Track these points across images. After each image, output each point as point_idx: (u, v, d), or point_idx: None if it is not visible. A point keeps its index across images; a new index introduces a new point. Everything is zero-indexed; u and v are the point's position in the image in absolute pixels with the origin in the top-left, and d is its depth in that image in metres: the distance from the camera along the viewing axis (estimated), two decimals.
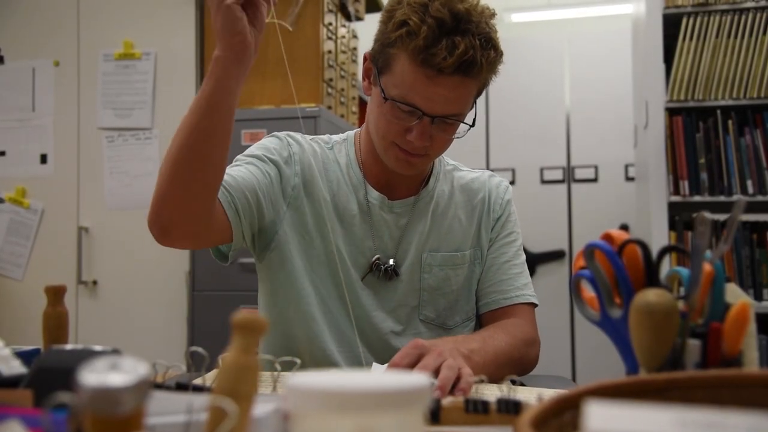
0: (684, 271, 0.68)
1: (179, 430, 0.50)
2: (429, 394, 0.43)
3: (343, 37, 3.25)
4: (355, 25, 3.49)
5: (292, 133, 1.29)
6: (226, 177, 1.13)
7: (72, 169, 3.11)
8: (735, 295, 0.65)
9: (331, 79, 3.02)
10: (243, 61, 0.98)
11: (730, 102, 2.49)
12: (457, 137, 1.18)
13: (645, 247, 0.67)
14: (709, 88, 2.50)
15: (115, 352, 0.60)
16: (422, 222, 1.27)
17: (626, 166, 3.88)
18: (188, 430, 0.50)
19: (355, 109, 3.36)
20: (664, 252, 0.69)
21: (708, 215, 0.62)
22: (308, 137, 1.30)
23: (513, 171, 4.04)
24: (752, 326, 0.63)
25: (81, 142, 3.11)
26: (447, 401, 0.77)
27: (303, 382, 0.41)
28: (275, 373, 0.81)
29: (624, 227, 3.76)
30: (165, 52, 3.02)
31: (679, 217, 2.53)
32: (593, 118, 3.97)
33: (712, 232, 2.45)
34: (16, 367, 0.66)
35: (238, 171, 1.16)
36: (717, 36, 2.50)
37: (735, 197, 2.45)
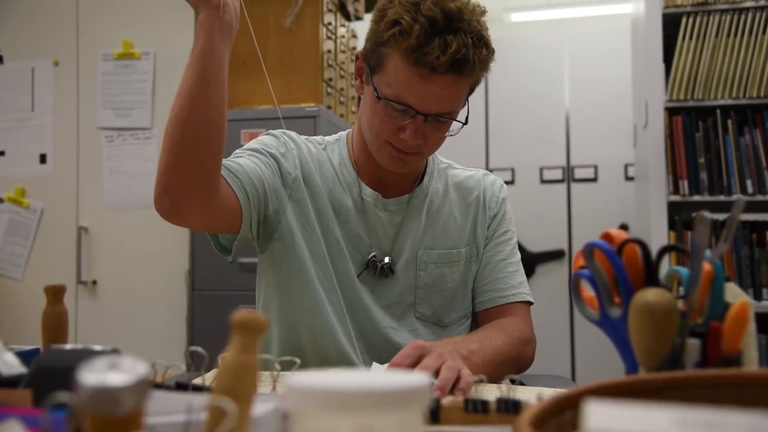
0: (683, 271, 0.68)
1: (179, 430, 0.50)
2: (429, 394, 0.42)
3: (343, 36, 3.25)
4: (355, 25, 3.49)
5: (287, 131, 1.29)
6: (231, 164, 1.14)
7: (71, 169, 3.11)
8: (734, 294, 0.65)
9: (330, 79, 3.02)
10: (225, 20, 1.00)
11: (730, 101, 2.49)
12: (450, 135, 1.19)
13: (644, 247, 0.67)
14: (709, 87, 2.50)
15: (115, 351, 0.60)
16: (417, 220, 1.28)
17: (626, 166, 3.88)
18: (188, 429, 0.50)
19: (354, 108, 3.36)
20: (663, 251, 0.69)
21: (707, 215, 0.62)
22: (303, 137, 1.31)
23: (512, 171, 4.04)
24: (752, 326, 0.63)
25: (80, 142, 3.11)
26: (447, 401, 0.77)
27: (303, 381, 0.41)
28: (275, 372, 0.81)
29: (623, 227, 3.76)
30: (164, 52, 3.02)
31: (679, 217, 2.53)
32: (593, 117, 3.97)
33: (712, 231, 2.46)
34: (16, 367, 0.66)
35: (242, 161, 1.17)
36: (716, 35, 2.50)
37: (734, 197, 2.45)
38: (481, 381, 0.88)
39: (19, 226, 3.11)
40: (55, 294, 0.84)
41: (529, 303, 1.31)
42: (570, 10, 4.99)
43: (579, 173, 3.98)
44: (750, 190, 2.45)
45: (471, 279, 1.31)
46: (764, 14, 2.48)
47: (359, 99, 1.27)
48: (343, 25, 3.28)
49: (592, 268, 0.69)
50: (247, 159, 1.18)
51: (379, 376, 0.43)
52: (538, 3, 5.00)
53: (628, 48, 3.57)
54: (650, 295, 0.58)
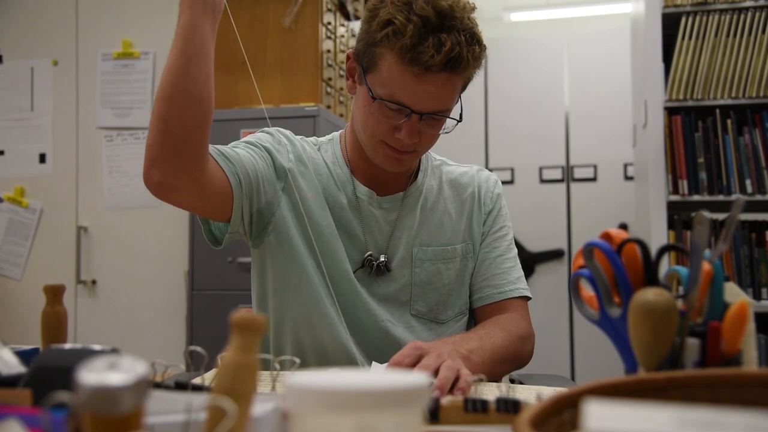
0: (683, 270, 0.69)
1: (178, 430, 0.50)
2: (428, 394, 0.43)
3: (342, 36, 3.25)
4: (354, 25, 3.49)
5: (282, 129, 1.30)
6: (228, 151, 1.15)
7: (71, 169, 3.11)
8: (734, 294, 0.65)
9: (330, 79, 3.02)
10: None
11: (729, 101, 2.49)
12: (445, 132, 1.19)
13: (644, 247, 0.67)
14: (708, 87, 2.50)
15: (114, 351, 0.60)
16: (412, 217, 1.28)
17: (625, 166, 3.88)
18: (187, 429, 0.50)
19: None
20: (663, 251, 0.69)
21: (707, 214, 0.62)
22: (298, 137, 1.31)
23: (512, 170, 4.04)
24: (751, 325, 0.63)
25: (80, 142, 3.11)
26: (446, 400, 0.77)
27: (302, 381, 0.41)
28: (274, 372, 0.81)
29: (623, 226, 3.76)
30: (164, 52, 3.01)
31: (678, 217, 2.53)
32: (592, 117, 3.97)
33: (711, 231, 2.46)
34: (15, 367, 0.66)
35: (238, 150, 1.18)
36: (716, 35, 2.50)
37: (734, 196, 2.45)
38: (481, 380, 0.88)
39: (18, 225, 3.11)
40: (55, 294, 0.84)
41: (527, 298, 1.31)
42: (569, 10, 4.99)
43: (578, 173, 3.98)
44: (749, 189, 2.45)
45: (468, 276, 1.31)
46: (764, 14, 2.48)
47: None
48: (343, 25, 3.28)
49: (591, 267, 0.69)
50: (243, 150, 1.19)
51: (378, 376, 0.43)
52: (538, 2, 5.01)
53: (627, 48, 3.57)
54: (650, 294, 0.58)
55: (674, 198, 2.48)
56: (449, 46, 1.06)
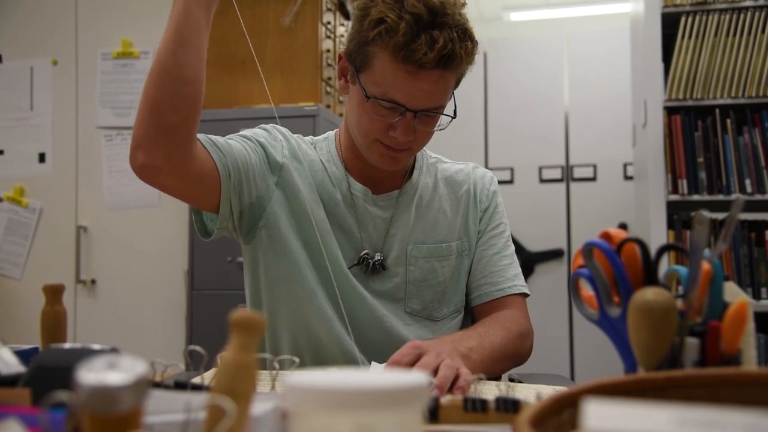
0: (682, 270, 0.69)
1: (178, 429, 0.50)
2: (427, 393, 0.42)
3: (342, 36, 3.25)
4: None
5: (278, 126, 1.30)
6: (220, 141, 1.16)
7: (70, 168, 3.11)
8: (733, 293, 0.65)
9: (329, 78, 3.02)
10: None
11: (729, 101, 2.49)
12: (439, 129, 1.19)
13: (643, 246, 0.67)
14: (708, 86, 2.50)
15: (114, 351, 0.60)
16: (407, 215, 1.28)
17: (625, 165, 3.88)
18: (187, 428, 0.50)
19: None
20: (662, 251, 0.69)
21: (706, 214, 0.62)
22: (294, 135, 1.32)
23: (512, 170, 4.04)
24: (750, 325, 0.63)
25: (79, 141, 3.11)
26: (445, 400, 0.77)
27: (302, 380, 0.41)
28: (273, 371, 0.81)
29: (622, 226, 3.76)
30: None
31: (678, 216, 2.53)
32: (592, 117, 3.97)
33: (711, 230, 2.46)
34: (15, 366, 0.66)
35: (231, 142, 1.18)
36: (715, 35, 2.50)
37: (733, 196, 2.45)
38: (480, 379, 0.88)
39: (18, 225, 3.10)
40: (54, 293, 0.84)
41: (526, 295, 1.32)
42: (569, 10, 5.00)
43: (578, 172, 3.98)
44: (749, 189, 2.46)
45: (464, 273, 1.31)
46: (763, 13, 2.48)
47: None
48: (342, 24, 3.28)
49: (591, 267, 0.69)
50: (237, 142, 1.19)
51: (377, 376, 0.43)
52: (538, 2, 5.01)
53: (627, 47, 3.56)
54: (649, 294, 0.58)
55: (674, 197, 2.49)
56: (442, 42, 1.06)
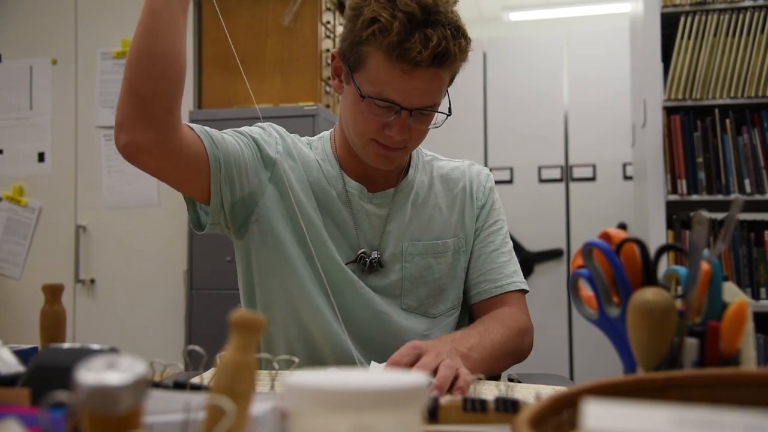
0: (682, 270, 0.69)
1: (177, 429, 0.50)
2: (427, 393, 0.43)
3: None
4: None
5: (274, 125, 1.31)
6: (214, 133, 1.17)
7: (70, 168, 3.10)
8: (732, 293, 0.65)
9: (329, 78, 3.02)
10: None
11: (728, 101, 2.49)
12: (434, 127, 1.20)
13: (643, 246, 0.67)
14: (707, 86, 2.50)
15: (113, 350, 0.60)
16: (402, 212, 1.28)
17: (624, 165, 3.88)
18: (186, 428, 0.50)
19: None
20: (661, 251, 0.69)
21: (706, 214, 0.62)
22: (290, 134, 1.32)
23: (511, 170, 4.04)
24: (749, 325, 0.63)
25: (79, 141, 3.11)
26: (445, 400, 0.77)
27: (301, 380, 0.41)
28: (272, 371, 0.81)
29: (622, 226, 3.76)
30: None
31: (677, 216, 2.53)
32: (591, 116, 3.97)
33: (710, 231, 2.46)
34: (14, 366, 0.66)
35: (226, 136, 1.19)
36: (715, 35, 2.50)
37: (732, 196, 2.45)
38: (479, 379, 0.88)
39: (17, 225, 3.10)
40: (53, 293, 0.84)
41: (525, 291, 1.32)
42: (569, 10, 5.00)
43: (577, 172, 3.98)
44: (748, 189, 2.46)
45: (460, 270, 1.32)
46: (762, 13, 2.48)
47: None
48: (342, 24, 3.28)
49: (590, 267, 0.69)
50: (230, 136, 1.20)
51: (377, 376, 0.43)
52: (537, 2, 5.01)
53: (626, 47, 3.56)
54: (648, 294, 0.58)
55: (673, 198, 2.49)
56: (436, 40, 1.07)
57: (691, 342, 0.62)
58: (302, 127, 2.64)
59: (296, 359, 0.85)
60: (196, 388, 0.68)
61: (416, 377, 0.42)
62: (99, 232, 3.08)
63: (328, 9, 3.06)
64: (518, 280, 1.31)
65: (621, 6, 4.56)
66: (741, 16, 2.49)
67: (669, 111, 2.53)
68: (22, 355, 0.75)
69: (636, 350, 0.59)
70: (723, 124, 2.49)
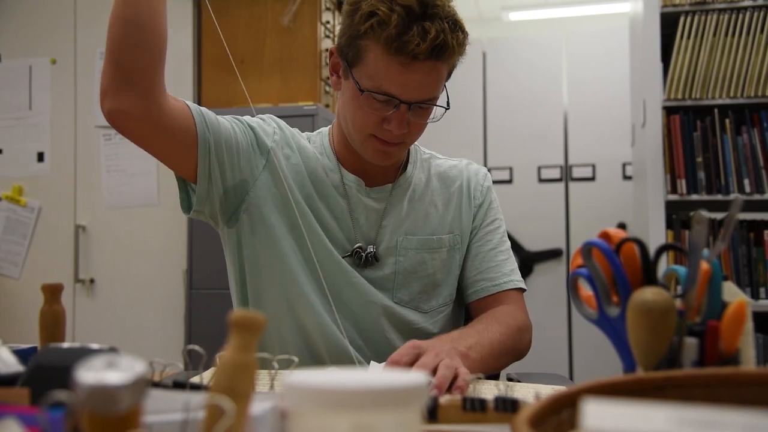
0: (681, 270, 0.69)
1: (177, 429, 0.50)
2: (426, 392, 0.43)
3: None
4: None
5: (275, 117, 1.32)
6: (209, 114, 1.17)
7: (69, 168, 3.10)
8: (732, 293, 0.65)
9: (328, 77, 3.02)
10: None
11: (728, 101, 2.49)
12: (433, 121, 1.20)
13: (642, 246, 0.67)
14: (707, 86, 2.50)
15: (113, 350, 0.60)
16: (399, 207, 1.29)
17: (624, 165, 3.88)
18: (186, 428, 0.50)
19: None
20: (661, 250, 0.69)
21: (705, 214, 0.62)
22: (292, 128, 1.33)
23: (510, 170, 4.04)
24: (749, 324, 0.63)
25: (78, 141, 3.10)
26: (444, 399, 0.77)
27: (300, 380, 0.41)
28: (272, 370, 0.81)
29: (621, 226, 3.76)
30: None
31: (677, 216, 2.53)
32: (591, 116, 3.97)
33: (710, 230, 2.46)
34: (13, 365, 0.66)
35: (222, 119, 1.20)
36: (714, 35, 2.50)
37: (732, 196, 2.45)
38: (479, 378, 0.88)
39: (16, 224, 3.10)
40: (53, 293, 0.84)
41: (522, 290, 1.32)
42: (568, 9, 4.99)
43: (577, 172, 3.98)
44: (747, 189, 2.46)
45: (455, 267, 1.32)
46: (762, 13, 2.48)
47: None
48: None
49: (590, 267, 0.69)
50: (227, 121, 1.21)
51: (376, 375, 0.43)
52: (537, 2, 5.01)
53: (626, 47, 3.56)
54: (648, 294, 0.58)
55: (672, 197, 2.49)
56: (434, 33, 1.07)
57: (691, 341, 0.62)
58: (302, 126, 2.63)
59: (295, 359, 0.85)
60: (196, 387, 0.68)
61: (416, 377, 0.42)
62: (98, 232, 3.08)
63: (328, 8, 3.06)
64: (516, 279, 1.31)
65: (620, 6, 4.55)
66: (740, 15, 2.49)
67: (668, 111, 2.53)
68: (22, 354, 0.75)
69: (635, 350, 0.59)
70: (722, 123, 2.49)
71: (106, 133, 3.04)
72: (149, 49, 1.06)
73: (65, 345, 0.64)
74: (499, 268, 1.31)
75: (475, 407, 0.75)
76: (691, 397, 0.48)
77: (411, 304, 1.28)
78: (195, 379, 0.75)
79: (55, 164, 3.11)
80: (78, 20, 3.11)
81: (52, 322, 0.83)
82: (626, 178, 3.86)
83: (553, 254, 3.95)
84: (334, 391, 0.39)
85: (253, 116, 1.28)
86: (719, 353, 0.62)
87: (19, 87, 3.14)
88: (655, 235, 2.48)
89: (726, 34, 2.49)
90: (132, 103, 1.06)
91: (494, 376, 1.19)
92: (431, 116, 1.20)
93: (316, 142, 1.32)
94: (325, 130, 1.35)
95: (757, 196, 2.44)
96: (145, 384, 0.44)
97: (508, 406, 0.74)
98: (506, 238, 1.36)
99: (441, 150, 1.43)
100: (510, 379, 1.16)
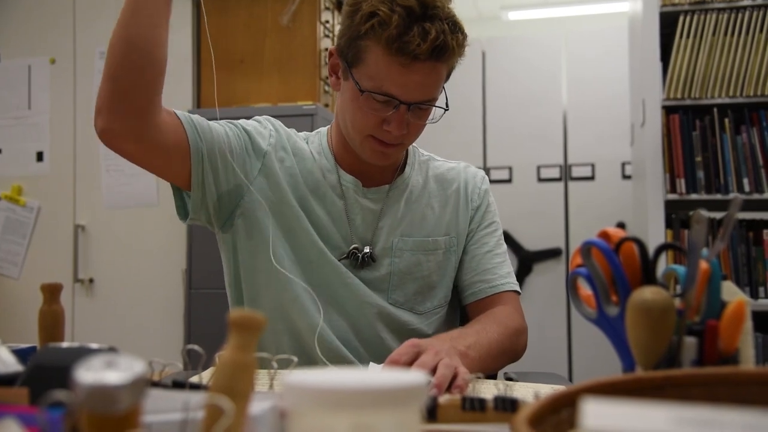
0: (680, 269, 0.69)
1: (176, 428, 0.50)
2: (426, 392, 0.43)
3: None
4: None
5: (271, 119, 1.32)
6: (200, 122, 1.17)
7: (68, 167, 3.10)
8: (731, 292, 0.65)
9: (327, 77, 3.02)
10: None
11: (727, 100, 2.49)
12: (432, 122, 1.20)
13: (642, 245, 0.67)
14: (706, 86, 2.50)
15: (112, 350, 0.60)
16: (395, 208, 1.29)
17: (623, 164, 3.88)
18: (185, 428, 0.50)
19: None
20: (660, 250, 0.69)
21: (704, 213, 0.62)
22: (287, 129, 1.33)
23: (510, 169, 4.04)
24: (748, 324, 0.63)
25: (77, 140, 3.10)
26: (444, 399, 0.77)
27: (300, 379, 0.41)
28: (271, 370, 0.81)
29: (621, 225, 3.76)
30: None
31: (676, 215, 2.53)
32: (590, 116, 3.97)
33: (709, 230, 2.46)
34: (12, 365, 0.65)
35: (213, 125, 1.19)
36: (714, 34, 2.50)
37: (731, 195, 2.45)
38: (478, 378, 0.88)
39: (15, 224, 3.10)
40: (52, 292, 0.84)
41: (517, 293, 1.33)
42: (567, 9, 4.99)
43: (576, 172, 3.98)
44: (747, 188, 2.46)
45: (451, 269, 1.32)
46: (761, 13, 2.48)
47: None
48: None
49: (589, 266, 0.69)
50: (220, 127, 1.20)
51: (375, 375, 0.43)
52: (536, 1, 5.01)
53: (625, 47, 3.56)
54: (647, 293, 0.58)
55: (672, 197, 2.49)
56: (434, 34, 1.08)
57: (690, 341, 0.62)
58: (301, 126, 2.63)
59: (295, 358, 0.85)
60: (195, 387, 0.68)
61: (415, 376, 0.42)
62: (98, 232, 3.07)
63: (327, 8, 3.06)
64: (512, 281, 1.32)
65: (620, 5, 4.55)
66: (740, 15, 2.49)
67: (668, 110, 2.53)
68: (21, 354, 0.75)
69: (635, 349, 0.59)
70: (722, 123, 2.49)
71: None
72: (151, 72, 1.06)
73: (64, 345, 0.64)
74: (496, 270, 1.31)
75: (474, 407, 0.75)
76: (690, 397, 0.48)
77: (406, 306, 1.28)
78: (194, 379, 0.75)
79: (55, 164, 3.11)
80: (77, 20, 3.11)
81: (52, 322, 0.83)
82: (625, 177, 3.86)
83: (552, 254, 3.95)
84: (333, 391, 0.39)
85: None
86: (718, 353, 0.62)
87: (19, 86, 3.14)
88: (655, 234, 2.48)
89: (725, 34, 2.49)
90: (125, 124, 1.06)
91: (491, 377, 1.19)
92: (430, 117, 1.20)
93: (314, 143, 1.32)
94: (323, 130, 1.35)
95: (756, 196, 2.45)
96: (144, 384, 0.44)
97: (507, 406, 0.74)
98: (503, 242, 1.37)
99: (440, 150, 1.43)
100: (509, 379, 1.16)
